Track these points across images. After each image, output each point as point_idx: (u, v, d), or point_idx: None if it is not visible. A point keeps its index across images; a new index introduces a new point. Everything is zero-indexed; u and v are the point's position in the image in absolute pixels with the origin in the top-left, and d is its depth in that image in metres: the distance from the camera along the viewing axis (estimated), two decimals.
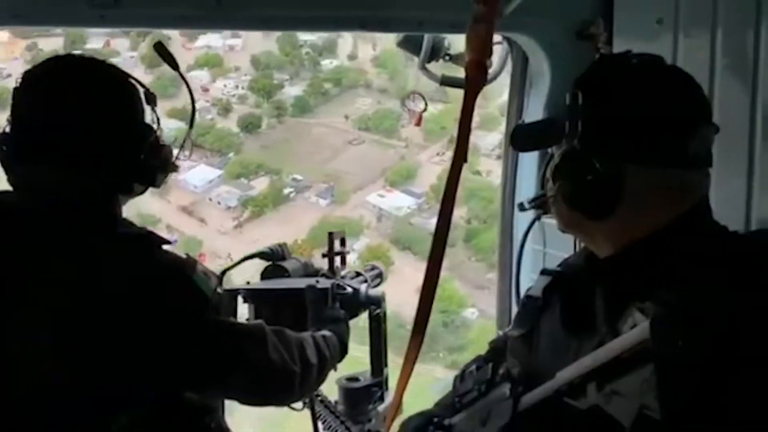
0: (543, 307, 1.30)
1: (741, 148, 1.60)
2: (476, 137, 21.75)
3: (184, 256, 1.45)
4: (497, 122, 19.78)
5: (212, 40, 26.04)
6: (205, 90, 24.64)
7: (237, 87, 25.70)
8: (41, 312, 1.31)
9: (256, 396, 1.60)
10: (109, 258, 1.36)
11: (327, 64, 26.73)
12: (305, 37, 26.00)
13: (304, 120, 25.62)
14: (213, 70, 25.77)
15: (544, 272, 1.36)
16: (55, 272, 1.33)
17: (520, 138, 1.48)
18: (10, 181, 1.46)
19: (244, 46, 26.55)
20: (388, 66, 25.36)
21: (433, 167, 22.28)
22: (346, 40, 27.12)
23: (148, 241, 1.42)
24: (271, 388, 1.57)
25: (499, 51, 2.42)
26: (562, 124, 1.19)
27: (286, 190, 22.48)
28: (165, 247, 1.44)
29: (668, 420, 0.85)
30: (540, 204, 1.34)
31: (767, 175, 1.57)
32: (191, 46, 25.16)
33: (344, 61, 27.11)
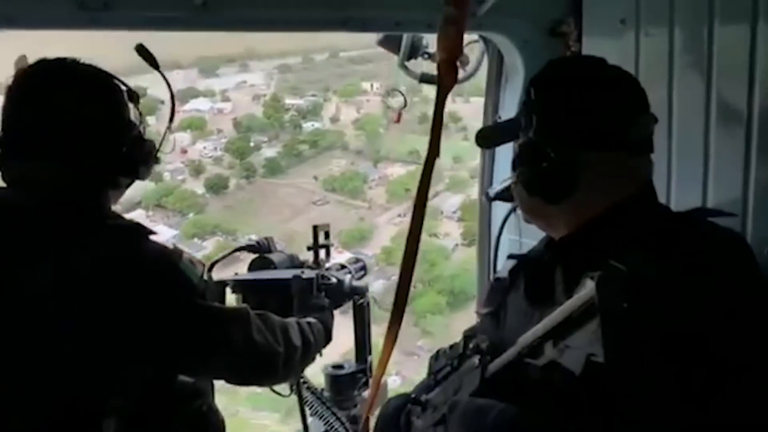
0: (509, 287, 1.40)
1: (697, 139, 1.69)
2: (441, 198, 21.39)
3: (171, 246, 1.51)
4: (467, 185, 19.70)
5: (201, 103, 26.02)
6: (184, 152, 24.17)
7: (215, 149, 25.44)
8: (35, 304, 1.35)
9: (241, 376, 1.65)
10: (100, 250, 1.40)
11: (308, 126, 26.52)
12: (291, 101, 26.36)
13: (274, 181, 25.27)
14: (195, 132, 25.39)
15: (510, 257, 1.46)
16: (48, 265, 1.37)
17: (484, 136, 1.61)
18: (4, 177, 1.50)
19: (233, 109, 26.33)
20: (367, 128, 25.26)
21: (391, 229, 21.75)
22: (331, 103, 27.15)
23: (136, 233, 1.47)
24: (256, 369, 1.63)
25: (475, 49, 2.51)
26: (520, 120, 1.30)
27: None
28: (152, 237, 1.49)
29: (612, 362, 0.94)
30: (506, 195, 1.45)
31: (721, 164, 1.66)
32: (180, 109, 24.56)
33: (327, 123, 26.83)
